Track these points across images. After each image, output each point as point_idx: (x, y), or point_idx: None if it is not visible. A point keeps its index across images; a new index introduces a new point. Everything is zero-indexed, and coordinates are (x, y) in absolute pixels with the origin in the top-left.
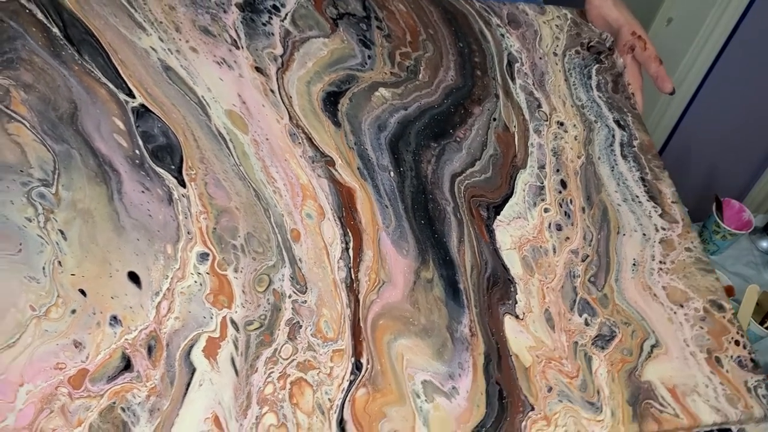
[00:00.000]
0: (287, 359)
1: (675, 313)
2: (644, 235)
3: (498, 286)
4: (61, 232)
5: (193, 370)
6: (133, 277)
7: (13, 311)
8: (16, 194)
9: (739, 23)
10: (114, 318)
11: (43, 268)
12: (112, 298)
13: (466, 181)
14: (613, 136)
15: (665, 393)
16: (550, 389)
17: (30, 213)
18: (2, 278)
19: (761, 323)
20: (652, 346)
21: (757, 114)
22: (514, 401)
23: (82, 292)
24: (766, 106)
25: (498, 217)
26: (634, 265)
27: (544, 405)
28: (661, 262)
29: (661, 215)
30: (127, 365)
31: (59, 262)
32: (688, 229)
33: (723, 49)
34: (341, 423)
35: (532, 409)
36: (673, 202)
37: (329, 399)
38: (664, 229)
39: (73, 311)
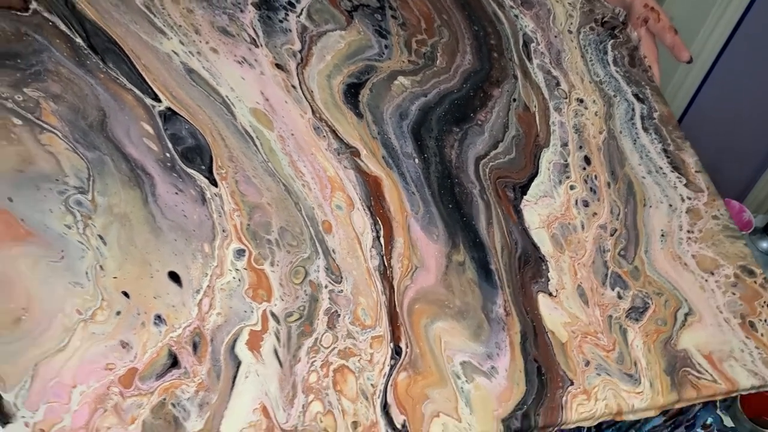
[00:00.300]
0: (328, 347)
1: (706, 280)
2: (670, 206)
3: (530, 264)
4: (101, 237)
5: (238, 364)
6: (174, 277)
7: (61, 316)
8: (54, 203)
9: (739, 23)
10: (158, 317)
11: (86, 273)
12: (154, 297)
13: (491, 164)
14: (633, 109)
15: (702, 360)
16: (587, 363)
17: (69, 220)
18: (48, 285)
19: None
20: (686, 315)
21: (756, 115)
22: (553, 377)
23: (125, 294)
24: (766, 107)
25: (525, 197)
26: (662, 236)
27: (583, 379)
28: (689, 231)
29: (686, 185)
30: (174, 362)
31: (101, 267)
32: (713, 198)
33: (723, 48)
34: (385, 407)
35: (572, 383)
36: (696, 171)
37: (372, 384)
38: (689, 198)
39: (118, 313)
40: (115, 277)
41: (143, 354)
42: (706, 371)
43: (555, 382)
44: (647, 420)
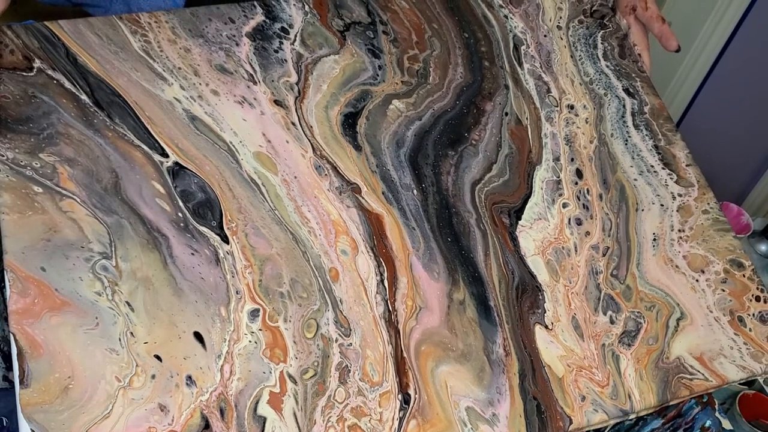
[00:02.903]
0: (342, 402)
1: (697, 281)
2: (662, 205)
3: (527, 293)
4: (128, 304)
5: (263, 422)
6: (199, 337)
7: (103, 383)
8: (82, 270)
9: (737, 28)
10: (189, 378)
11: (119, 340)
12: (184, 359)
13: (486, 189)
14: (624, 106)
15: (693, 362)
16: (584, 398)
17: (98, 287)
18: (87, 352)
19: None
20: (678, 320)
21: (755, 118)
22: (552, 415)
23: (158, 357)
24: (764, 110)
25: (520, 222)
26: (654, 240)
27: (581, 416)
28: (680, 230)
29: (676, 181)
30: (206, 424)
31: (131, 333)
32: (704, 191)
33: (722, 52)
34: None
35: (571, 422)
36: (687, 165)
37: None
38: (680, 195)
39: (153, 376)
40: (146, 342)
41: (179, 416)
42: (698, 371)
43: (555, 420)
44: (646, 423)
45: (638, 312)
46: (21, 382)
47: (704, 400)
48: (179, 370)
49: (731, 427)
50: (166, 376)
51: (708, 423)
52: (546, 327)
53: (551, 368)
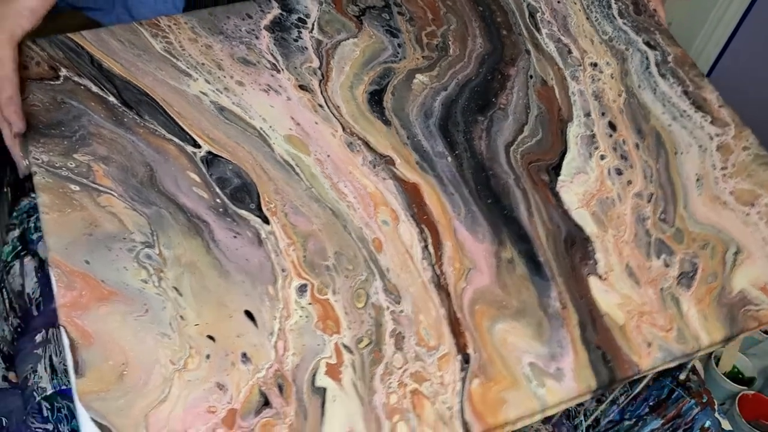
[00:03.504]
0: (400, 368)
1: (748, 214)
2: (700, 146)
3: (576, 246)
4: (176, 289)
5: (323, 392)
6: (250, 315)
7: (158, 367)
8: (126, 260)
9: (737, 29)
10: (244, 355)
11: (170, 324)
12: (237, 337)
13: (520, 149)
14: (647, 58)
15: (758, 293)
16: (649, 344)
17: (144, 275)
18: (139, 339)
19: None
20: (735, 254)
21: (754, 120)
22: (619, 363)
23: (211, 337)
24: (763, 113)
25: (559, 178)
26: (698, 180)
27: (649, 362)
28: (722, 168)
29: (711, 122)
30: (266, 401)
31: (181, 317)
32: (740, 129)
33: (722, 52)
34: (465, 426)
35: (639, 368)
36: (720, 106)
37: (448, 408)
38: (717, 135)
39: (208, 356)
40: (196, 324)
41: (238, 393)
42: (764, 302)
43: (623, 369)
44: (645, 423)
45: (692, 252)
46: (76, 372)
47: (704, 400)
48: (233, 348)
49: (731, 428)
50: (221, 355)
51: (707, 423)
52: (599, 277)
53: (610, 317)
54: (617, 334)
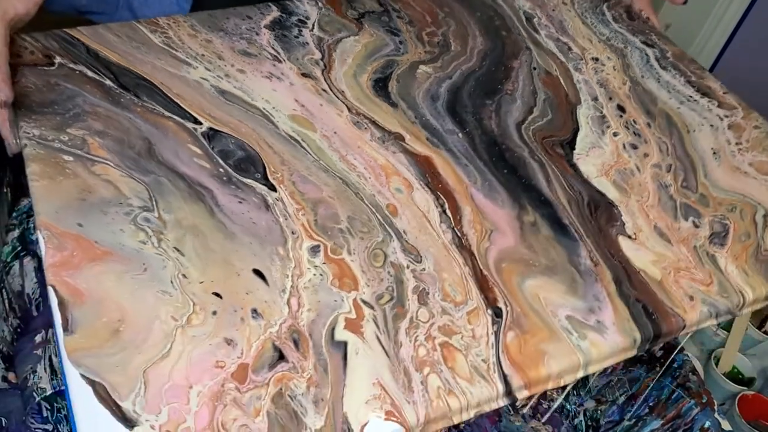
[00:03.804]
0: (426, 322)
1: None
2: (712, 125)
3: (601, 209)
4: (177, 249)
5: (344, 345)
6: (259, 274)
7: (158, 323)
8: (123, 223)
9: (735, 30)
10: (254, 311)
11: (171, 282)
12: (246, 293)
13: (531, 127)
14: (647, 54)
15: None
16: (691, 298)
17: (142, 236)
18: (137, 296)
19: (759, 327)
20: (764, 216)
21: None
22: (663, 315)
23: (217, 294)
24: (763, 115)
25: (575, 152)
26: (714, 153)
27: (694, 314)
28: (737, 143)
29: (719, 106)
30: (281, 355)
31: (183, 275)
32: (748, 111)
33: (720, 54)
34: (505, 379)
35: (684, 322)
36: (724, 93)
37: (483, 360)
38: (727, 116)
39: (214, 312)
40: (201, 282)
41: (249, 348)
42: None
43: (668, 322)
44: (645, 423)
45: (720, 215)
46: (65, 330)
47: (704, 401)
48: (242, 304)
49: (730, 428)
50: (229, 311)
51: (707, 424)
52: (629, 237)
53: (647, 273)
54: (656, 288)
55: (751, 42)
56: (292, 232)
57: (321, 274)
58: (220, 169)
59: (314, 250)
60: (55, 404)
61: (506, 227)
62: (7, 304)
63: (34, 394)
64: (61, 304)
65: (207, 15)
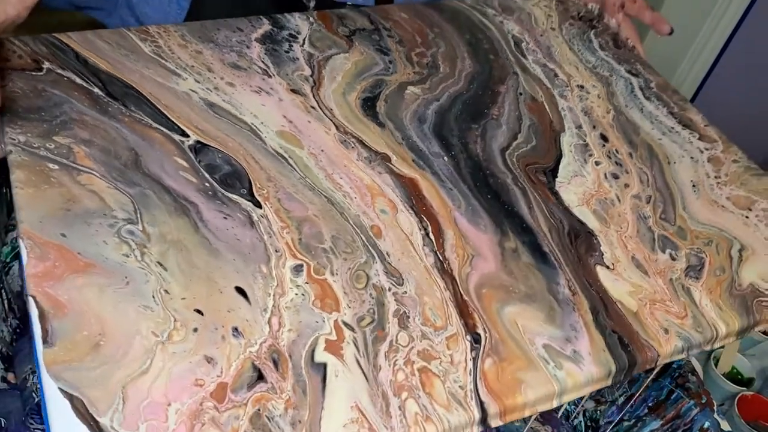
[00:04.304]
0: (406, 346)
1: (747, 217)
2: (692, 158)
3: (581, 238)
4: (160, 264)
5: (324, 366)
6: (241, 291)
7: (139, 338)
8: (106, 235)
9: (733, 34)
10: (235, 329)
11: (153, 297)
12: (228, 311)
13: (516, 153)
14: (631, 83)
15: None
16: (666, 331)
17: (125, 249)
18: (119, 310)
19: None
20: (740, 251)
21: (751, 125)
22: (638, 347)
23: (198, 311)
24: (761, 117)
25: (557, 179)
26: (693, 186)
27: (669, 347)
28: (716, 176)
29: (699, 138)
30: (259, 375)
31: (166, 291)
32: (728, 145)
33: (718, 57)
34: (482, 406)
35: (659, 354)
36: (705, 125)
37: (460, 387)
38: (707, 149)
39: (195, 329)
40: (183, 298)
41: (229, 367)
42: None
43: (643, 353)
44: (645, 424)
45: (697, 248)
46: (44, 341)
47: (703, 401)
48: (224, 322)
49: (730, 429)
50: (210, 328)
51: (707, 424)
52: (607, 267)
53: (623, 304)
54: (632, 320)
55: (731, 74)
56: (276, 251)
57: (303, 294)
58: (206, 184)
59: (297, 269)
60: None
61: (488, 252)
62: (6, 305)
63: (34, 394)
64: (42, 315)
65: (199, 25)
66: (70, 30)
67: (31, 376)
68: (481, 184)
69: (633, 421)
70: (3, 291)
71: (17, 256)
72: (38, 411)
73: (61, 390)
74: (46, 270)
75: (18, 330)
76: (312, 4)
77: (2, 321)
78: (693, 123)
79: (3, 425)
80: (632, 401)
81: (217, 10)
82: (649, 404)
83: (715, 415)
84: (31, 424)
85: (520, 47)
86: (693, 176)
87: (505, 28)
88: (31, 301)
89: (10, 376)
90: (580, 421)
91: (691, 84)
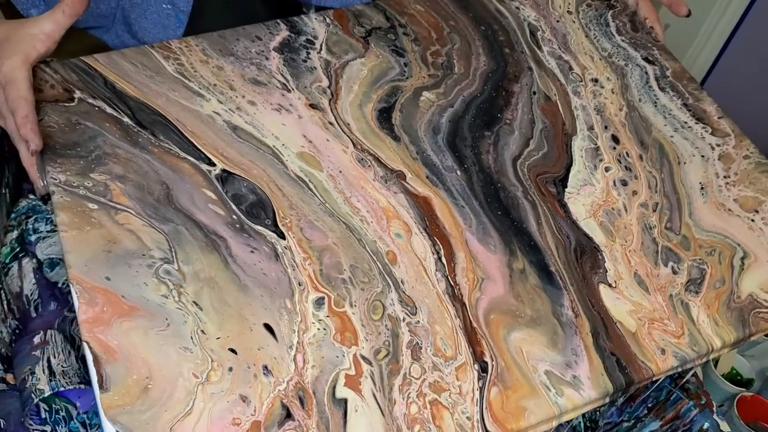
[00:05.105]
0: (419, 378)
1: (753, 220)
2: (703, 156)
3: (586, 255)
4: (196, 303)
5: (344, 402)
6: (269, 329)
7: (181, 381)
8: (146, 276)
9: (734, 32)
10: (265, 368)
11: (191, 338)
12: (258, 349)
13: (527, 162)
14: (647, 72)
15: (766, 296)
16: (663, 351)
17: (164, 290)
18: (163, 353)
19: None
20: (742, 259)
21: (750, 126)
22: (635, 369)
23: (233, 350)
24: (761, 118)
25: (566, 190)
26: (702, 189)
27: (664, 367)
28: (725, 176)
29: (712, 133)
30: (288, 413)
31: (202, 331)
32: (740, 138)
33: (719, 55)
34: None
35: (653, 374)
36: (719, 117)
37: (467, 418)
38: (718, 145)
39: (230, 369)
40: (218, 338)
41: (261, 405)
42: None
43: (639, 375)
44: (644, 425)
45: (699, 259)
46: (101, 386)
47: (702, 402)
48: (255, 360)
49: (729, 430)
50: (243, 367)
51: (706, 425)
52: (610, 285)
53: (623, 324)
54: (630, 341)
55: (745, 51)
56: (299, 284)
57: (324, 329)
58: (234, 216)
59: (319, 302)
60: (54, 405)
61: (497, 274)
62: (5, 306)
63: (33, 395)
64: (96, 361)
65: (217, 36)
66: (75, 43)
67: (30, 377)
68: (492, 200)
69: (632, 421)
70: (2, 292)
71: (16, 257)
72: (37, 412)
73: None
74: (96, 316)
75: (17, 331)
76: (311, 12)
77: (1, 322)
78: (707, 115)
79: (2, 426)
80: (632, 402)
81: (216, 22)
82: (649, 405)
83: (715, 416)
84: (30, 425)
85: (535, 37)
86: (702, 177)
87: (522, 15)
88: (85, 346)
89: (9, 377)
90: (580, 422)
91: (699, 70)
